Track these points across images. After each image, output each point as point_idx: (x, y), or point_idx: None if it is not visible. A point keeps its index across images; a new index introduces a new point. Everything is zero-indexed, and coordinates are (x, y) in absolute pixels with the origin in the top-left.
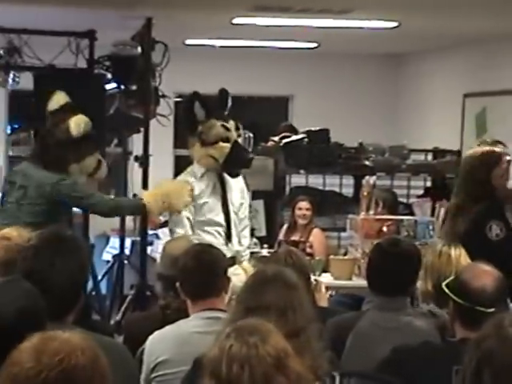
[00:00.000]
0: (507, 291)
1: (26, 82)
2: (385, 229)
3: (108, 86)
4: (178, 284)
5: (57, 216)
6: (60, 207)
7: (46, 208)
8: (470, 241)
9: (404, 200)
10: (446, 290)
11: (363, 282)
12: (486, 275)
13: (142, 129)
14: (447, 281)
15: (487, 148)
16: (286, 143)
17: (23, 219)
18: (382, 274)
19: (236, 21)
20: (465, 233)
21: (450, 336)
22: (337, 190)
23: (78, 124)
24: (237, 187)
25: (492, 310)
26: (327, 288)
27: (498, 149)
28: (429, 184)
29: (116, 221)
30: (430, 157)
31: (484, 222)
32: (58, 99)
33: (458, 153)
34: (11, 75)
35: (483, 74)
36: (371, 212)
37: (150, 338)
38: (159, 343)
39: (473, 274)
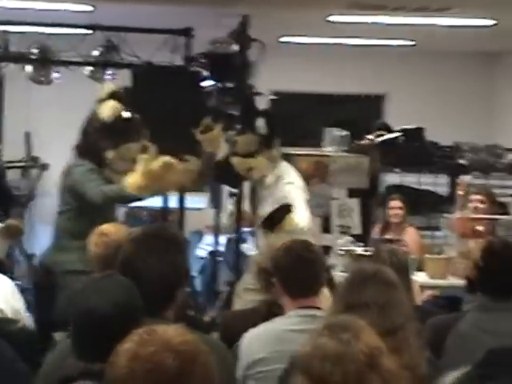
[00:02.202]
0: None
1: (124, 79)
2: (480, 228)
3: (204, 84)
4: (275, 280)
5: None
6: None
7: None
8: None
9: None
10: None
11: (459, 281)
12: None
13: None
14: None
15: None
16: (381, 141)
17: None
18: (494, 274)
19: (331, 18)
20: None
21: None
22: (431, 188)
23: (108, 109)
24: None
25: None
26: (421, 287)
27: None
28: None
29: (210, 217)
30: None
31: None
32: (105, 88)
33: None
34: (109, 72)
35: None
36: (466, 211)
37: (247, 335)
38: (256, 341)
39: None
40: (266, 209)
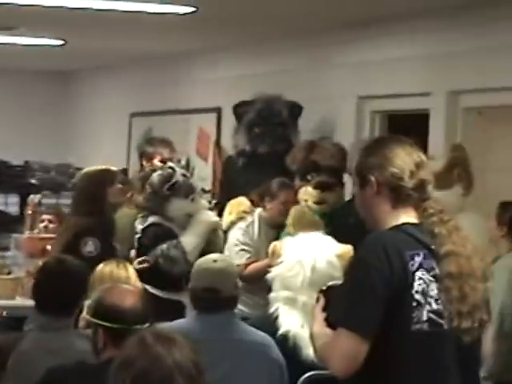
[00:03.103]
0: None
1: None
2: (49, 247)
3: None
4: None
5: None
6: None
7: None
8: None
9: None
10: (93, 319)
11: (27, 302)
12: (129, 294)
13: None
14: (90, 309)
15: (104, 166)
16: None
17: None
18: (47, 292)
19: None
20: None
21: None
22: (2, 208)
23: None
24: None
25: (140, 326)
26: None
27: (114, 168)
28: None
29: None
30: None
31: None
32: None
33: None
34: None
35: (147, 93)
36: (36, 231)
37: None
38: None
39: (118, 296)
40: None
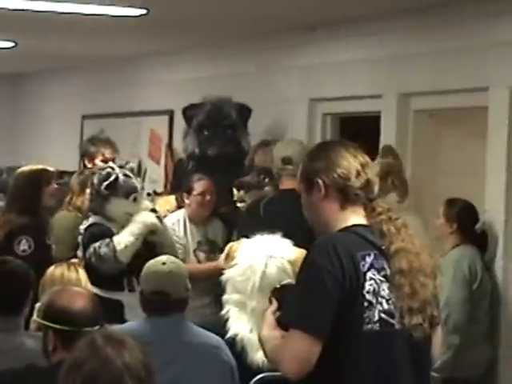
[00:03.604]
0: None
1: None
2: None
3: None
4: None
5: None
6: None
7: None
8: None
9: None
10: (44, 322)
11: None
12: (80, 297)
13: None
14: (41, 312)
15: (40, 166)
16: None
17: None
18: None
19: None
20: None
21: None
22: None
23: None
24: None
25: (91, 329)
26: None
27: (50, 168)
28: None
29: None
30: None
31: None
32: None
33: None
34: None
35: (99, 96)
36: None
37: None
38: None
39: (68, 299)
40: None
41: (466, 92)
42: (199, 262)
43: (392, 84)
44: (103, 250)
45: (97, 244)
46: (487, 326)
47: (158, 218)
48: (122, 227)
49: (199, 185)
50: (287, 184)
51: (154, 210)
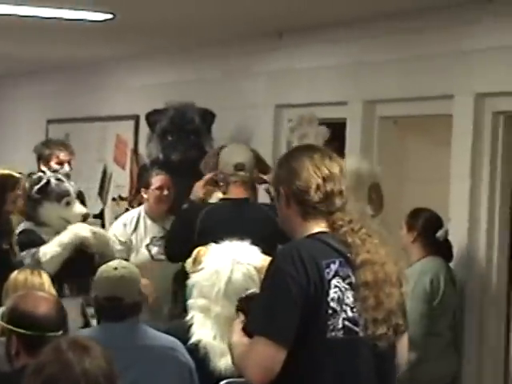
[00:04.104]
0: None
1: None
2: None
3: None
4: None
5: None
6: None
7: None
8: None
9: None
10: (8, 326)
11: None
12: (44, 301)
13: None
14: (4, 316)
15: (7, 171)
16: None
17: None
18: None
19: None
20: None
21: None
22: None
23: None
24: None
25: (55, 333)
26: None
27: (17, 174)
28: None
29: None
30: None
31: None
32: None
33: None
34: None
35: (64, 100)
36: None
37: None
38: None
39: (32, 303)
40: None
41: (430, 99)
42: (152, 256)
43: (357, 91)
44: (27, 261)
45: (23, 254)
46: (450, 339)
47: (92, 230)
48: (57, 233)
49: (157, 179)
50: (235, 192)
51: (87, 215)
